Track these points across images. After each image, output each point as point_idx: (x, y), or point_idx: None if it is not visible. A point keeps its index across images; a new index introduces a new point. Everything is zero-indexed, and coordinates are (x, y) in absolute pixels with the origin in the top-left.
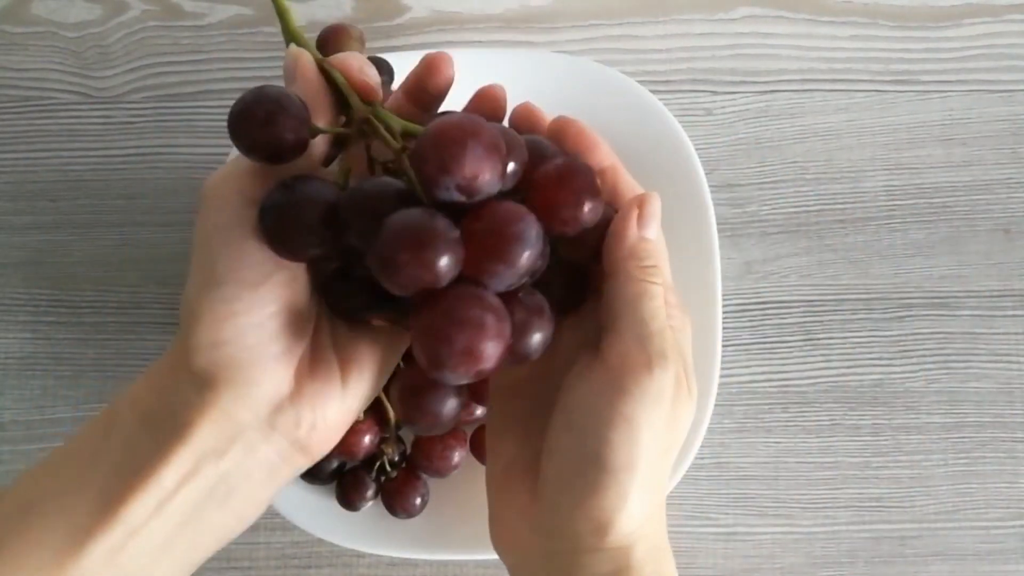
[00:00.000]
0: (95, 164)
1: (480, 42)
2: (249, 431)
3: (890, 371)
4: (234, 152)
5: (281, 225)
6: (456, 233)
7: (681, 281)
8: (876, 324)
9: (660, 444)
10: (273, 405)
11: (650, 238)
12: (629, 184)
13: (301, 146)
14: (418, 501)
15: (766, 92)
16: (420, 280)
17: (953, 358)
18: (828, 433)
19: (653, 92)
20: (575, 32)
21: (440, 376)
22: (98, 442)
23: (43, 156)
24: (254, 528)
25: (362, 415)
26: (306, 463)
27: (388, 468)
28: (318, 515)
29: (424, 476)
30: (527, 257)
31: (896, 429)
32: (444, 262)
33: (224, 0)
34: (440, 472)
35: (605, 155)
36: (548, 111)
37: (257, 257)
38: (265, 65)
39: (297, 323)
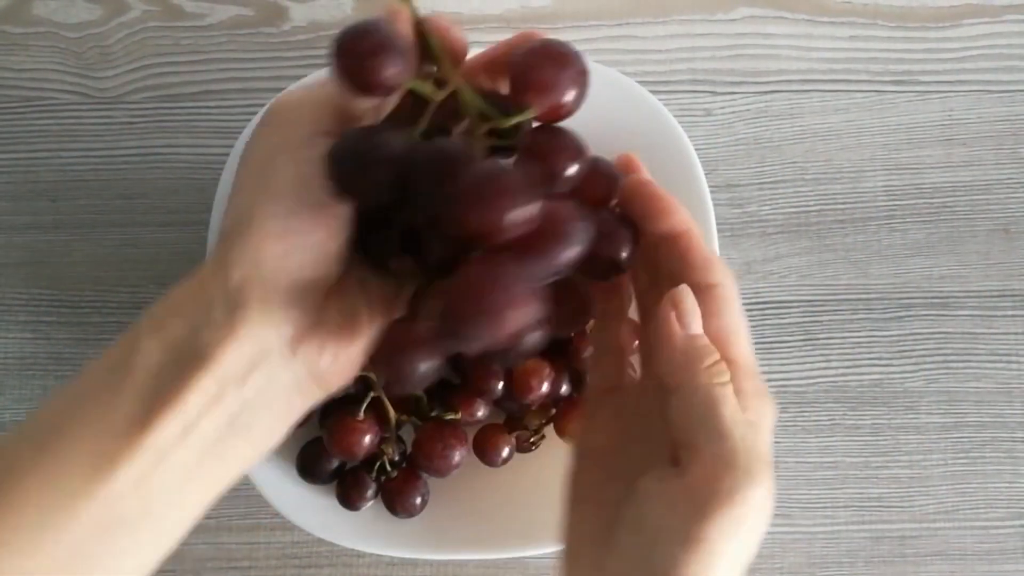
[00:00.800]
0: (96, 164)
1: (480, 43)
2: (273, 356)
3: (889, 371)
4: (236, 150)
5: (350, 170)
6: (535, 188)
7: None
8: (876, 324)
9: (740, 562)
10: (300, 330)
11: (698, 333)
12: (701, 255)
13: (394, 87)
14: (418, 501)
15: (766, 92)
16: (490, 225)
17: (952, 358)
18: (828, 433)
19: (653, 92)
20: (575, 33)
21: (457, 331)
22: (121, 369)
23: (44, 156)
24: (254, 528)
25: (361, 414)
26: (320, 395)
27: (388, 468)
28: (318, 515)
29: (424, 476)
30: (569, 253)
31: (896, 429)
32: (516, 213)
33: (225, 1)
34: (440, 472)
35: (680, 220)
36: None
37: (320, 183)
38: (266, 65)
39: (339, 256)
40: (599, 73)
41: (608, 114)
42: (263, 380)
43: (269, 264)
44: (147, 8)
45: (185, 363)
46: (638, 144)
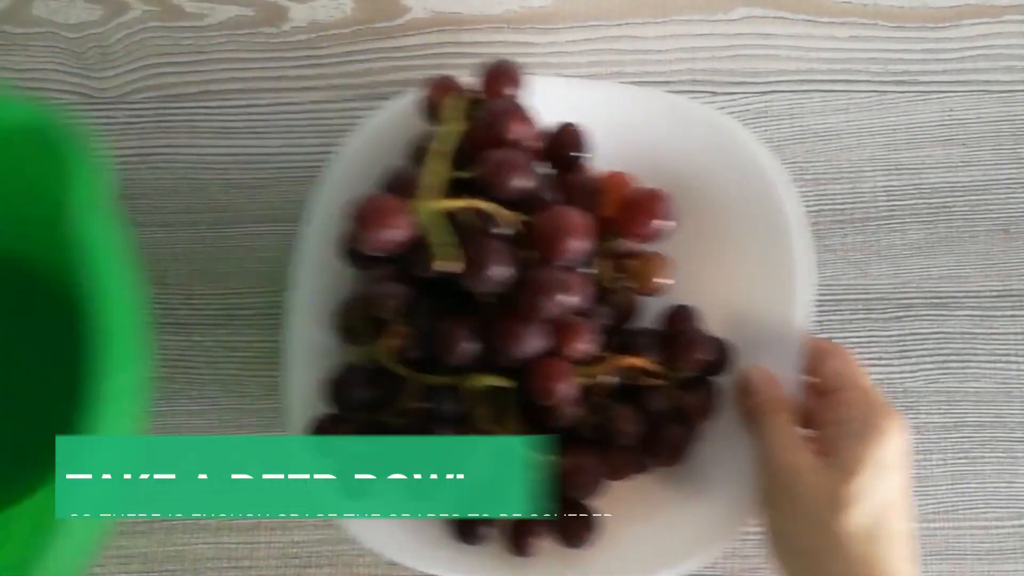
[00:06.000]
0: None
1: (480, 43)
2: None
3: (889, 371)
4: (348, 152)
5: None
6: None
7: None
8: (875, 324)
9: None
10: None
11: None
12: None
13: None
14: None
15: (765, 93)
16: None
17: (952, 358)
18: None
19: None
20: (575, 33)
21: None
22: None
23: None
24: (255, 527)
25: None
26: None
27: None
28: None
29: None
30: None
31: None
32: None
33: (225, 1)
34: (594, 498)
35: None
36: (625, 143)
37: None
38: (265, 66)
39: None
40: (669, 102)
41: (681, 143)
42: None
43: None
44: (147, 8)
45: None
46: (714, 168)
